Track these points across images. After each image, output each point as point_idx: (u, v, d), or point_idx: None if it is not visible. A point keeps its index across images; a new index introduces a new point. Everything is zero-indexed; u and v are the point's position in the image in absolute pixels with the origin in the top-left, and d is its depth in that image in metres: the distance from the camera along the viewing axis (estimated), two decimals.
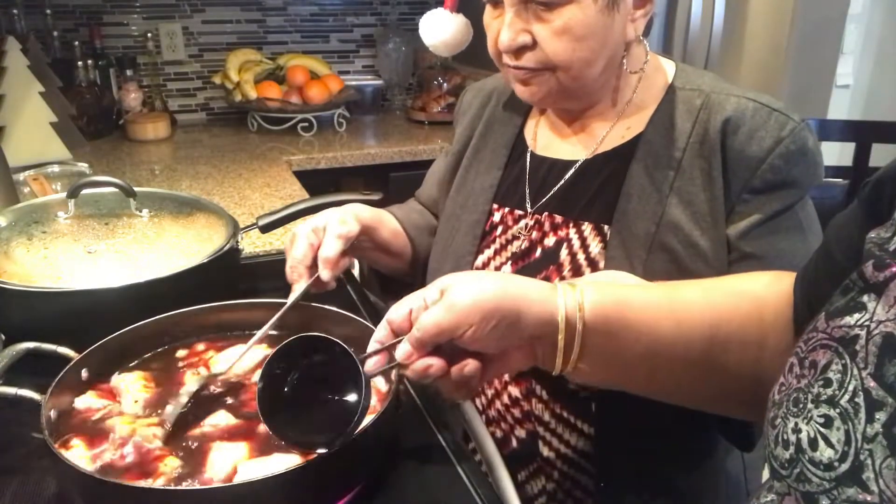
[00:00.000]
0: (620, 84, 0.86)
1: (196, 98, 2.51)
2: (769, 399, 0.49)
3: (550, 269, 0.85)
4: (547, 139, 0.93)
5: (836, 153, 2.31)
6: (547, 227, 0.88)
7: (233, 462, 0.64)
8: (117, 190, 1.02)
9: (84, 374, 0.74)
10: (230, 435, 0.68)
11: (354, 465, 0.65)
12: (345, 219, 0.86)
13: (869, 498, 0.38)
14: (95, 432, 0.68)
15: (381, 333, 0.65)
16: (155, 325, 0.80)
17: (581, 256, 0.84)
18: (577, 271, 0.83)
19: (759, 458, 0.90)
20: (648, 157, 0.82)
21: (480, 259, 0.92)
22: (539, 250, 0.87)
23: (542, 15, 0.77)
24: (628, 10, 0.79)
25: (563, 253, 0.85)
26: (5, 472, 0.69)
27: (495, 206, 0.93)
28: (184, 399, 0.71)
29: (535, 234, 0.88)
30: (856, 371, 0.41)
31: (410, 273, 1.05)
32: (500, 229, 0.92)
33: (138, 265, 0.94)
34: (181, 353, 0.82)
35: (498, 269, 0.90)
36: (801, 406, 0.44)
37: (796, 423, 0.43)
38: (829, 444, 0.41)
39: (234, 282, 1.02)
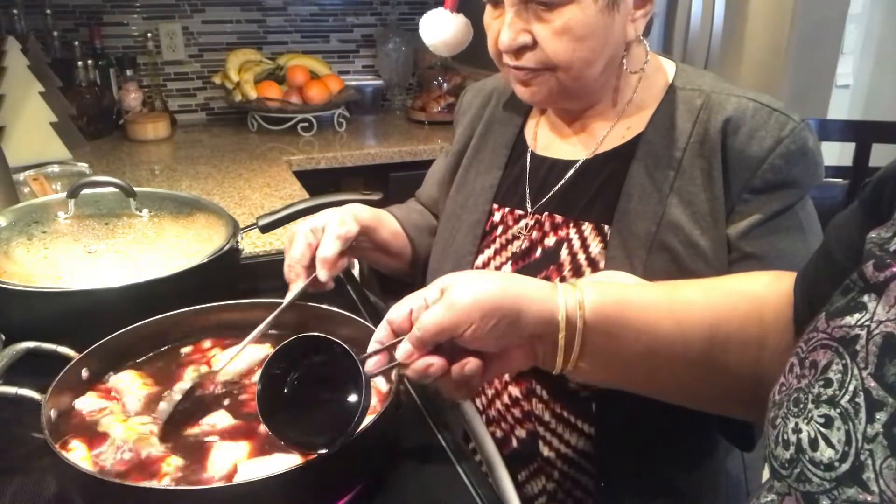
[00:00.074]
0: (621, 84, 0.86)
1: (196, 98, 2.51)
2: (769, 399, 0.49)
3: (551, 268, 0.85)
4: (547, 139, 0.93)
5: (836, 153, 2.32)
6: (547, 226, 0.88)
7: (233, 461, 0.64)
8: (117, 190, 1.02)
9: (84, 373, 0.74)
10: (231, 434, 0.68)
11: (354, 465, 0.65)
12: (344, 219, 0.86)
13: (869, 498, 0.38)
14: (95, 434, 0.68)
15: (381, 334, 0.65)
16: (155, 325, 0.80)
17: (581, 256, 0.84)
18: (577, 271, 0.83)
19: (759, 458, 0.90)
20: (649, 156, 0.82)
21: (481, 259, 0.92)
22: (539, 250, 0.87)
23: (542, 15, 0.77)
24: (628, 10, 0.79)
25: (564, 253, 0.85)
26: (5, 472, 0.69)
27: (495, 205, 0.93)
28: (177, 396, 0.71)
29: (535, 234, 0.88)
30: (856, 371, 0.41)
31: (410, 273, 1.05)
32: (500, 229, 0.92)
33: (138, 265, 0.94)
34: (186, 349, 0.82)
35: (498, 268, 0.90)
36: (801, 406, 0.44)
37: (797, 424, 0.43)
38: (829, 444, 0.41)
39: (234, 282, 1.02)
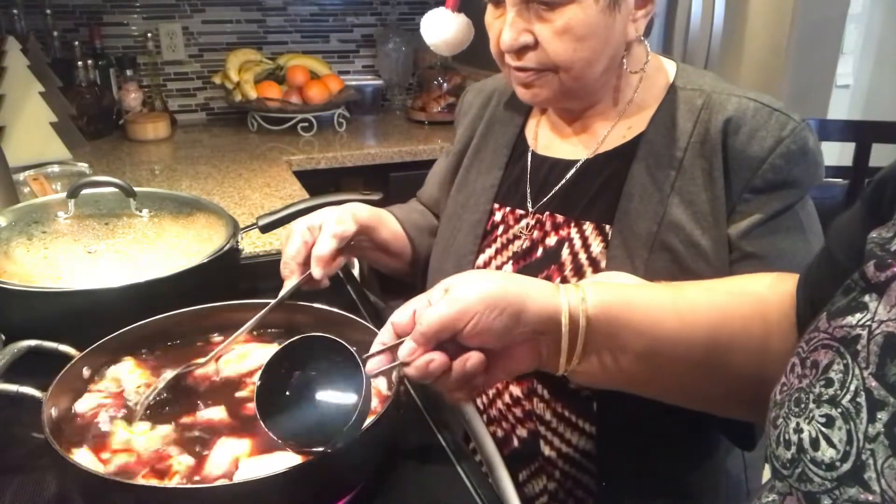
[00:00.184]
0: (621, 84, 0.86)
1: (196, 98, 2.51)
2: (771, 399, 0.49)
3: (552, 268, 0.85)
4: (548, 139, 0.93)
5: (836, 153, 2.31)
6: (548, 226, 0.88)
7: (234, 458, 0.64)
8: (117, 190, 1.02)
9: (86, 372, 0.74)
10: (232, 430, 0.68)
11: (354, 465, 0.65)
12: (342, 218, 0.86)
13: (870, 498, 0.38)
14: (98, 436, 0.68)
15: (385, 336, 0.64)
16: (155, 325, 0.80)
17: (582, 256, 0.84)
18: (578, 271, 0.83)
19: (760, 457, 0.90)
20: (650, 156, 0.82)
21: (482, 258, 0.92)
22: (540, 250, 0.87)
23: (543, 15, 0.77)
24: (629, 10, 0.79)
25: (565, 252, 0.85)
26: (5, 472, 0.69)
27: (496, 205, 0.94)
28: (160, 384, 0.72)
29: (536, 234, 0.88)
30: (857, 371, 0.41)
31: (410, 273, 1.05)
32: (501, 229, 0.92)
33: (138, 265, 0.94)
34: (186, 349, 0.82)
35: (499, 268, 0.90)
36: (802, 406, 0.44)
37: (798, 423, 0.43)
38: (830, 443, 0.41)
39: (234, 282, 1.02)
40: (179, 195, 1.13)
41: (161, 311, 0.81)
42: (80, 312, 0.84)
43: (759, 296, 0.66)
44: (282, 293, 0.82)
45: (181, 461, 0.64)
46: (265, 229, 1.05)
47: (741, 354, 0.64)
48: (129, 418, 0.70)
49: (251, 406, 0.71)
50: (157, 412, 0.71)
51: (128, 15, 2.35)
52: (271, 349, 0.81)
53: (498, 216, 0.93)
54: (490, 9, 0.84)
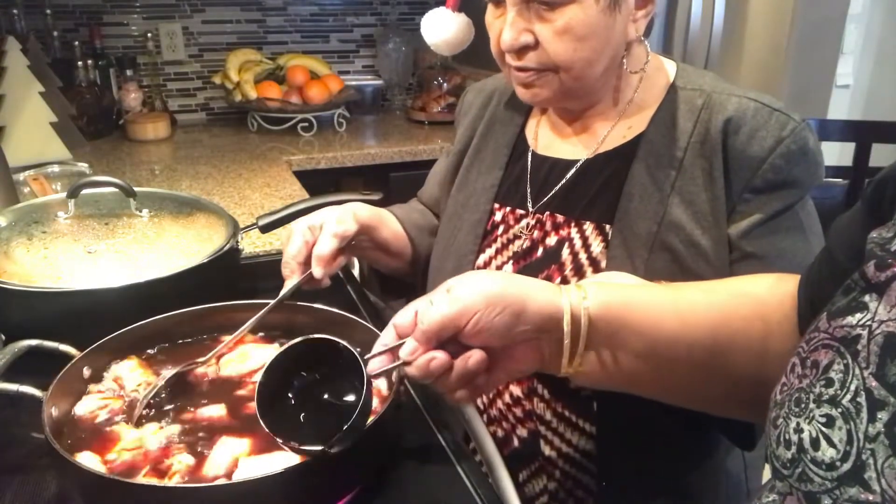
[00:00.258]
0: (622, 84, 0.86)
1: (196, 98, 2.51)
2: (771, 399, 0.49)
3: (552, 268, 0.85)
4: (548, 139, 0.94)
5: (836, 153, 2.32)
6: (548, 226, 0.88)
7: (234, 458, 0.64)
8: (117, 190, 1.02)
9: (86, 372, 0.74)
10: (232, 430, 0.68)
11: (354, 465, 0.64)
12: (342, 217, 0.87)
13: (871, 497, 0.38)
14: (99, 437, 0.68)
15: (387, 337, 0.64)
16: (155, 326, 0.80)
17: (583, 256, 0.84)
18: (578, 270, 0.83)
19: (760, 457, 0.90)
20: (650, 156, 0.82)
21: (482, 258, 0.92)
22: (541, 249, 0.87)
23: (544, 14, 0.77)
24: (630, 10, 0.79)
25: (565, 252, 0.85)
26: (5, 472, 0.69)
27: (496, 205, 0.94)
28: (161, 383, 0.72)
29: (536, 234, 0.88)
30: (857, 371, 0.41)
31: (411, 273, 1.05)
32: (501, 228, 0.92)
33: (138, 265, 0.94)
34: (186, 349, 0.82)
35: (499, 268, 0.90)
36: (802, 406, 0.44)
37: (798, 423, 0.43)
38: (830, 443, 0.41)
39: (234, 282, 1.02)
40: (179, 195, 1.13)
41: (161, 311, 0.81)
42: (80, 312, 0.84)
43: (759, 297, 0.66)
44: (282, 292, 0.82)
45: (181, 460, 0.64)
46: (265, 229, 1.05)
47: (741, 355, 0.64)
48: (129, 417, 0.70)
49: (251, 405, 0.71)
50: (157, 411, 0.71)
51: (128, 15, 2.35)
52: (272, 349, 0.81)
53: (498, 216, 0.93)
54: (490, 8, 0.84)
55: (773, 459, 0.46)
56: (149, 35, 2.35)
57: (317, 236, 0.85)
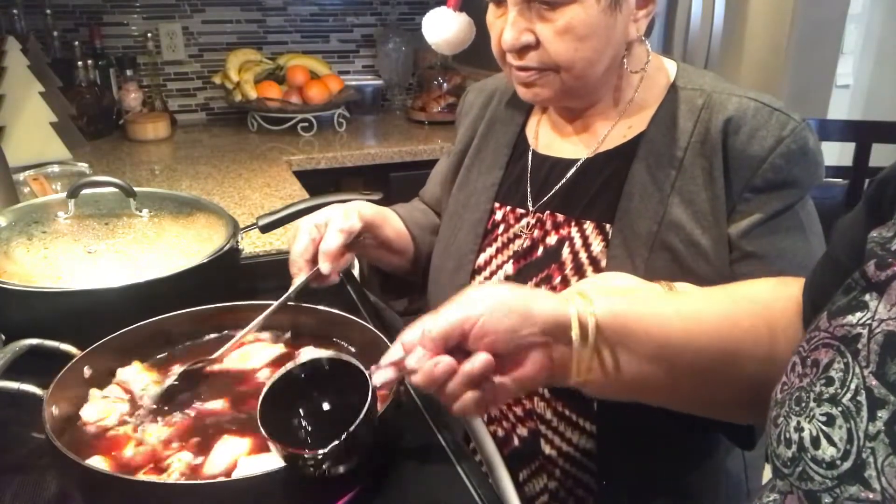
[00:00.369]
0: (622, 83, 0.86)
1: (196, 98, 2.51)
2: (771, 398, 0.49)
3: (552, 267, 0.85)
4: (549, 138, 0.94)
5: (836, 153, 2.31)
6: (549, 225, 0.88)
7: (235, 457, 0.64)
8: (117, 190, 1.02)
9: (87, 371, 0.74)
10: (233, 429, 0.69)
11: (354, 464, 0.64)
12: (348, 214, 0.87)
13: (871, 496, 0.38)
14: (103, 437, 0.68)
15: (394, 354, 0.62)
16: (155, 325, 0.80)
17: (583, 255, 0.84)
18: (578, 270, 0.83)
19: (760, 457, 0.90)
20: (650, 156, 0.82)
21: (482, 257, 0.92)
22: (541, 249, 0.87)
23: (545, 14, 0.77)
24: (631, 9, 0.79)
25: (565, 251, 0.85)
26: (5, 472, 0.69)
27: (497, 204, 0.94)
28: (166, 383, 0.73)
29: (536, 233, 0.88)
30: (858, 370, 0.41)
31: (413, 271, 1.05)
32: (501, 228, 0.92)
33: (138, 265, 0.94)
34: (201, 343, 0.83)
35: (500, 267, 0.90)
36: (803, 405, 0.44)
37: (798, 422, 0.43)
38: (831, 442, 0.41)
39: (234, 282, 1.02)
40: (179, 195, 1.13)
41: (161, 311, 0.81)
42: (80, 312, 0.84)
43: (764, 302, 0.66)
44: (290, 290, 0.83)
45: (181, 458, 0.64)
46: (265, 229, 1.05)
47: (748, 361, 0.64)
48: (132, 416, 0.70)
49: (253, 404, 0.71)
50: (159, 410, 0.72)
51: (128, 15, 2.35)
52: (274, 349, 0.81)
53: (498, 215, 0.93)
54: (491, 8, 0.84)
55: (773, 458, 0.46)
56: (149, 35, 2.35)
57: (323, 233, 0.85)
